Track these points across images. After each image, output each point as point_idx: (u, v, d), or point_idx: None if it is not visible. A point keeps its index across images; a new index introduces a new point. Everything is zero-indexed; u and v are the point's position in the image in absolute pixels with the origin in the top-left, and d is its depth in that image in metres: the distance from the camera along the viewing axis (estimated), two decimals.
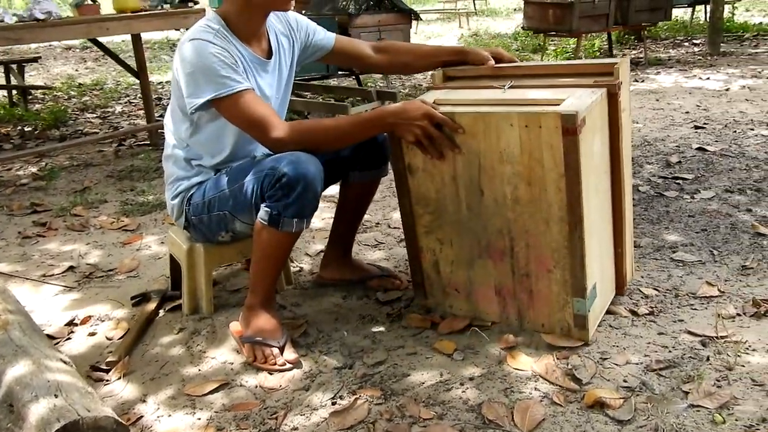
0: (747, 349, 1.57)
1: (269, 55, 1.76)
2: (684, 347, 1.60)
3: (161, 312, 2.00)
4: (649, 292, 1.91)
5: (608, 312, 1.81)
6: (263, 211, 1.61)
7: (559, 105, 1.57)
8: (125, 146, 4.11)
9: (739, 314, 1.75)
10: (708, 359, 1.53)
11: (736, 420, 1.30)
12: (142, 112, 4.94)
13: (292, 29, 1.84)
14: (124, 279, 2.24)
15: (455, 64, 1.91)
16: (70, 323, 1.94)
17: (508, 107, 1.60)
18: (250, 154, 1.80)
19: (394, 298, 1.98)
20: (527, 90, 1.72)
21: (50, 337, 1.85)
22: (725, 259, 2.10)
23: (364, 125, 1.63)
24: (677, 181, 2.86)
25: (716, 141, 3.46)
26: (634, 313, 1.80)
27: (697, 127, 3.80)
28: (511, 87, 1.76)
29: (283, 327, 1.74)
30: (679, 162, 3.13)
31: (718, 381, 1.44)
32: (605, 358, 1.58)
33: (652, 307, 1.81)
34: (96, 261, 2.39)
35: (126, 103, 5.70)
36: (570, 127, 1.48)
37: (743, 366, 1.50)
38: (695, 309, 1.80)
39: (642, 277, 2.02)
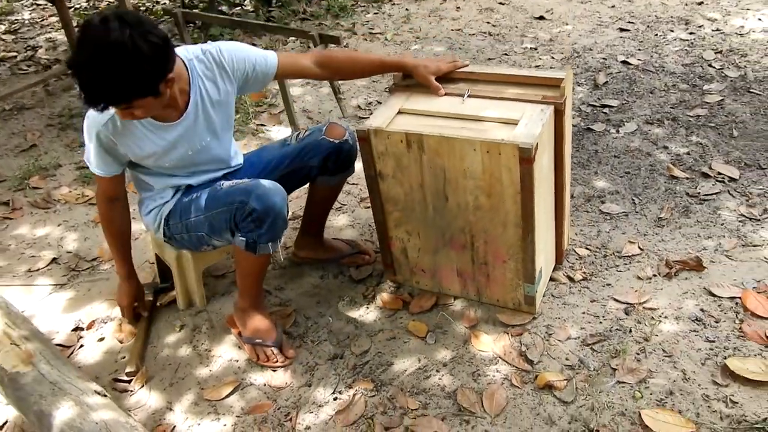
0: (660, 316, 1.95)
1: (185, 108, 1.74)
2: (611, 318, 1.96)
3: (157, 305, 2.18)
4: (583, 252, 2.24)
5: (551, 279, 2.13)
6: (239, 240, 1.77)
7: (515, 125, 1.73)
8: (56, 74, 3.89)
9: (655, 275, 2.11)
10: (630, 331, 1.90)
11: (651, 394, 1.70)
12: (56, 19, 4.60)
13: (225, 71, 1.77)
14: (109, 269, 2.37)
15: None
16: (77, 329, 2.10)
17: (471, 131, 1.74)
18: (197, 167, 1.89)
19: (366, 275, 2.23)
20: (483, 102, 1.86)
21: (63, 346, 2.02)
22: (644, 209, 2.42)
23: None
24: (604, 110, 3.11)
25: (639, 50, 3.67)
26: (571, 279, 2.13)
27: (621, 29, 3.97)
28: (469, 96, 1.88)
29: (276, 324, 1.98)
30: (606, 82, 3.35)
31: (638, 354, 1.82)
32: (550, 334, 1.93)
33: (585, 272, 2.14)
34: (75, 248, 2.49)
35: (32, 5, 5.21)
36: (527, 157, 1.67)
37: (657, 335, 1.88)
38: (620, 271, 2.15)
39: (576, 234, 2.33)
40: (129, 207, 1.91)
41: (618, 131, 2.92)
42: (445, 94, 1.91)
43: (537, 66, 3.62)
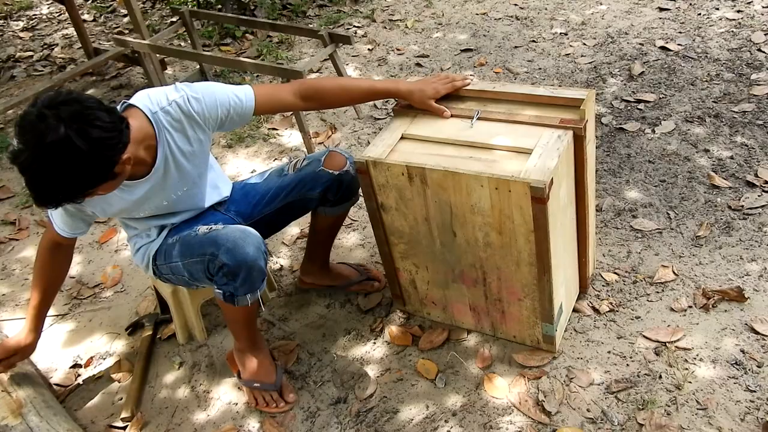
0: (695, 359, 1.76)
1: (153, 162, 1.59)
2: (640, 359, 1.78)
3: (157, 340, 2.09)
4: (610, 278, 2.05)
5: (574, 310, 1.95)
6: (216, 292, 1.66)
7: (528, 155, 1.56)
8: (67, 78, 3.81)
9: (690, 306, 1.91)
10: (660, 377, 1.72)
11: None
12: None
13: (195, 122, 1.59)
14: (112, 296, 2.30)
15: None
16: (75, 366, 2.03)
17: (478, 162, 1.58)
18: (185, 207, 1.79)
19: (374, 304, 2.09)
20: (494, 126, 1.68)
21: (59, 386, 1.95)
22: (681, 225, 2.21)
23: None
24: (639, 106, 2.86)
25: (679, 33, 3.37)
26: (596, 310, 1.95)
27: (661, 9, 3.66)
28: (479, 118, 1.70)
29: (277, 365, 1.86)
30: (642, 73, 3.09)
31: (668, 406, 1.64)
32: (571, 378, 1.76)
33: (612, 303, 1.95)
34: (79, 272, 2.42)
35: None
36: (539, 196, 1.49)
37: (690, 382, 1.69)
38: (651, 301, 1.96)
39: (604, 256, 2.14)
40: (72, 256, 1.77)
41: (654, 131, 2.68)
42: (453, 116, 1.74)
43: (567, 54, 3.37)
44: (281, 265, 2.33)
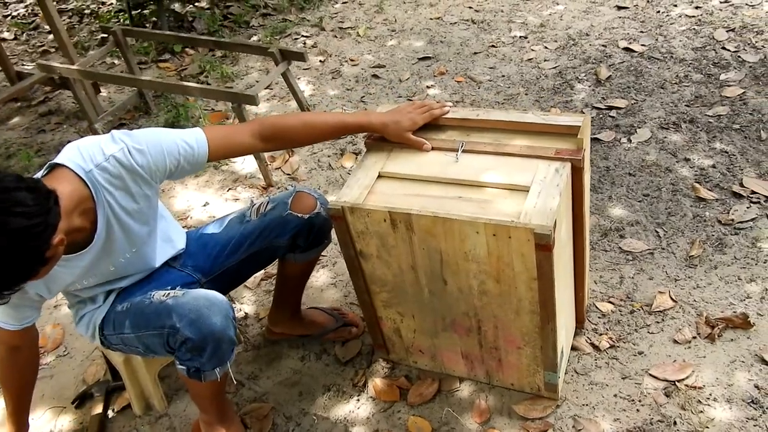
0: (708, 398, 1.63)
1: (94, 228, 1.40)
2: (650, 402, 1.65)
3: (110, 412, 1.84)
4: (606, 308, 1.93)
5: (573, 348, 1.82)
6: (179, 367, 1.47)
7: (525, 193, 1.42)
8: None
9: (694, 337, 1.80)
10: (675, 423, 1.59)
11: None
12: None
13: (139, 176, 1.40)
14: (53, 361, 2.04)
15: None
16: None
17: (470, 204, 1.43)
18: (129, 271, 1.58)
19: (354, 353, 1.92)
20: (481, 159, 1.53)
21: None
22: (672, 244, 2.10)
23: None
24: (611, 113, 2.75)
25: (641, 33, 3.29)
26: (595, 347, 1.82)
27: (619, 7, 3.58)
28: (464, 150, 1.55)
29: None
30: (609, 77, 2.99)
31: None
32: (579, 430, 1.61)
33: (611, 337, 1.83)
34: None
35: None
36: (544, 243, 1.34)
37: (708, 428, 1.56)
38: (652, 333, 1.84)
39: (596, 283, 2.02)
40: (38, 353, 1.57)
41: (630, 140, 2.57)
42: (433, 149, 1.58)
43: (529, 59, 3.25)
44: (245, 313, 2.13)
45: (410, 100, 3.12)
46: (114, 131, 1.41)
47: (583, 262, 1.72)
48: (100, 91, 3.46)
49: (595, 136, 2.63)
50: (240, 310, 2.14)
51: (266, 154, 2.77)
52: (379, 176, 1.56)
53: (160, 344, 1.45)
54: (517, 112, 1.61)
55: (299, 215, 1.66)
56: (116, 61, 3.86)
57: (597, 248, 2.13)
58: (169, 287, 1.53)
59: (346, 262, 1.65)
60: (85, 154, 1.34)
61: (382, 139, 1.63)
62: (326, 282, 2.19)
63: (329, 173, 2.71)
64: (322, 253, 2.19)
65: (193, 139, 1.45)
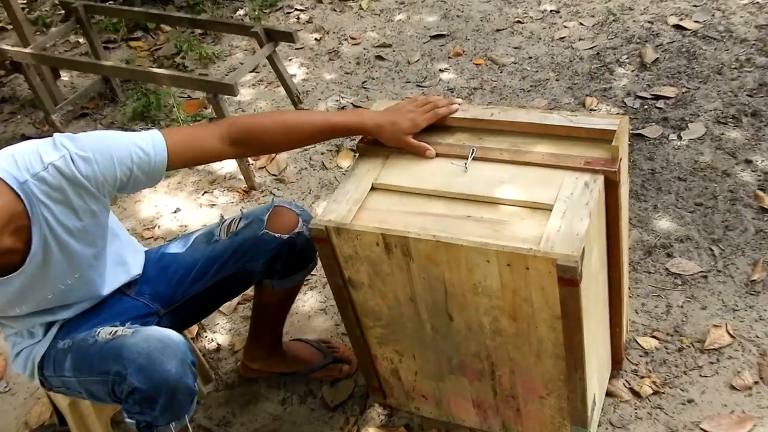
0: None
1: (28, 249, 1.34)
2: None
3: None
4: (649, 344, 1.85)
5: (608, 394, 1.75)
6: (128, 420, 1.41)
7: (547, 212, 1.34)
8: None
9: (756, 382, 1.71)
10: None
11: None
12: None
13: (83, 188, 1.33)
14: None
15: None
16: None
17: (480, 225, 1.36)
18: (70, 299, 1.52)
19: (345, 396, 1.87)
20: (495, 168, 1.46)
21: None
22: (729, 265, 2.02)
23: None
24: (658, 104, 2.66)
25: (695, 7, 3.19)
26: (636, 393, 1.74)
27: None
28: (474, 158, 1.48)
29: None
30: (657, 60, 2.89)
31: None
32: None
33: (655, 382, 1.74)
34: None
35: None
36: (569, 277, 1.26)
37: None
38: (705, 376, 1.76)
39: (637, 311, 1.95)
40: None
41: (680, 137, 2.48)
42: (438, 155, 1.52)
43: (561, 38, 3.16)
44: (218, 344, 2.08)
45: (420, 87, 3.05)
46: (57, 135, 1.35)
47: (621, 290, 1.64)
48: (60, 76, 3.42)
49: (638, 131, 2.54)
50: (212, 340, 2.09)
51: None
52: (372, 188, 1.49)
53: (105, 392, 1.40)
54: (539, 111, 1.54)
55: (277, 235, 1.61)
56: (81, 40, 3.81)
57: (639, 269, 2.05)
58: (119, 322, 1.48)
59: (333, 293, 1.59)
60: (20, 162, 1.29)
61: (376, 143, 1.56)
62: (314, 307, 2.14)
63: (322, 174, 2.65)
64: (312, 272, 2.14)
65: (150, 143, 1.39)
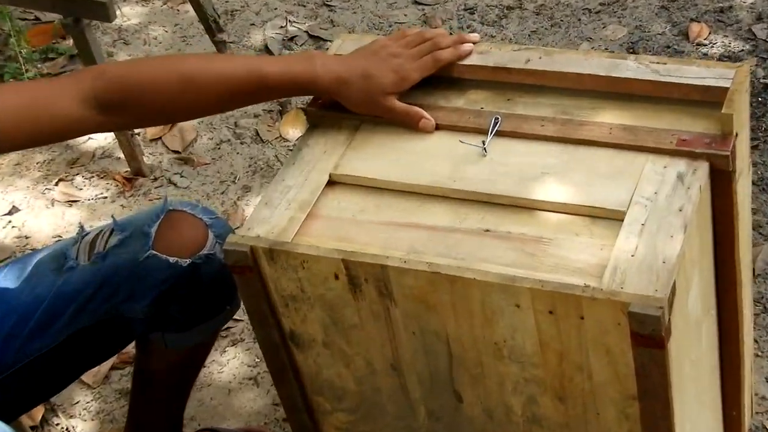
0: None
1: None
2: None
3: None
4: None
5: None
6: None
7: (616, 225, 1.39)
8: None
9: None
10: None
11: None
12: None
13: None
14: None
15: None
16: None
17: (504, 251, 1.41)
18: None
19: None
20: (532, 149, 1.53)
21: None
22: None
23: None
24: None
25: None
26: None
27: None
28: (498, 132, 1.54)
29: None
30: None
31: None
32: None
33: None
34: None
35: None
36: (649, 335, 1.31)
37: None
38: None
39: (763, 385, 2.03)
40: None
41: None
42: (439, 127, 1.59)
43: None
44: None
45: (420, 4, 3.10)
46: None
47: (739, 348, 1.72)
48: None
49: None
50: (65, 429, 2.14)
51: None
52: (330, 182, 1.56)
53: None
54: (605, 55, 1.57)
55: (172, 259, 1.67)
56: None
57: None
58: None
59: (265, 355, 1.67)
60: None
61: (336, 107, 1.63)
62: (239, 375, 2.22)
63: (256, 150, 2.73)
64: (236, 316, 2.20)
65: None
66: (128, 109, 1.56)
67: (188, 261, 1.67)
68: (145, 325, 1.72)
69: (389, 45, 1.60)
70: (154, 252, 1.67)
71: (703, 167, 1.42)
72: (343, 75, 1.56)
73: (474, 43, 1.61)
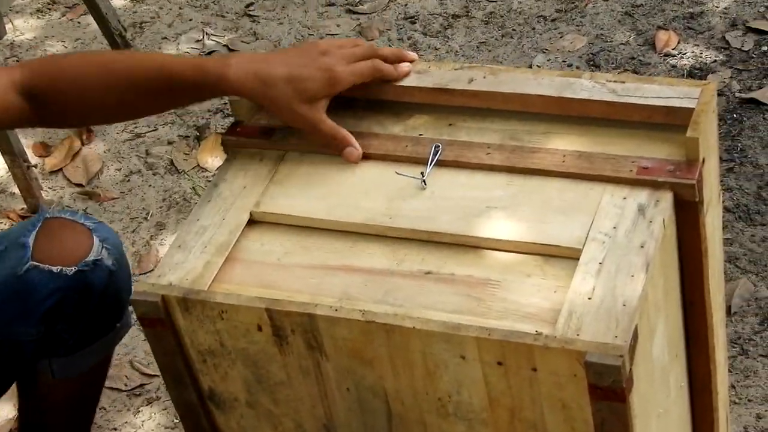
0: None
1: None
2: None
3: None
4: None
5: None
6: None
7: (570, 265, 1.40)
8: None
9: None
10: None
11: None
12: None
13: None
14: None
15: None
16: None
17: (447, 296, 1.42)
18: None
19: None
20: (477, 180, 1.55)
21: None
22: None
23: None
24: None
25: None
26: None
27: None
28: (439, 162, 1.55)
29: None
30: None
31: None
32: None
33: None
34: None
35: None
36: (610, 386, 1.31)
37: None
38: None
39: (746, 429, 2.05)
40: None
41: None
42: (370, 157, 1.61)
43: None
44: None
45: (353, 13, 3.10)
46: None
47: (711, 396, 1.74)
48: None
49: (749, 95, 2.64)
50: None
51: (29, 141, 2.80)
52: (251, 221, 1.57)
53: None
54: (557, 74, 1.60)
55: (55, 268, 1.68)
56: None
57: (751, 353, 2.17)
58: None
59: (181, 417, 1.67)
60: None
61: (257, 134, 1.66)
62: (154, 423, 2.21)
63: (170, 182, 2.74)
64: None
65: None
66: (50, 97, 1.61)
67: (74, 269, 1.70)
68: (35, 347, 1.74)
69: (320, 43, 1.62)
70: (35, 263, 1.69)
71: (667, 198, 1.44)
72: (261, 72, 1.55)
73: (411, 62, 1.63)
